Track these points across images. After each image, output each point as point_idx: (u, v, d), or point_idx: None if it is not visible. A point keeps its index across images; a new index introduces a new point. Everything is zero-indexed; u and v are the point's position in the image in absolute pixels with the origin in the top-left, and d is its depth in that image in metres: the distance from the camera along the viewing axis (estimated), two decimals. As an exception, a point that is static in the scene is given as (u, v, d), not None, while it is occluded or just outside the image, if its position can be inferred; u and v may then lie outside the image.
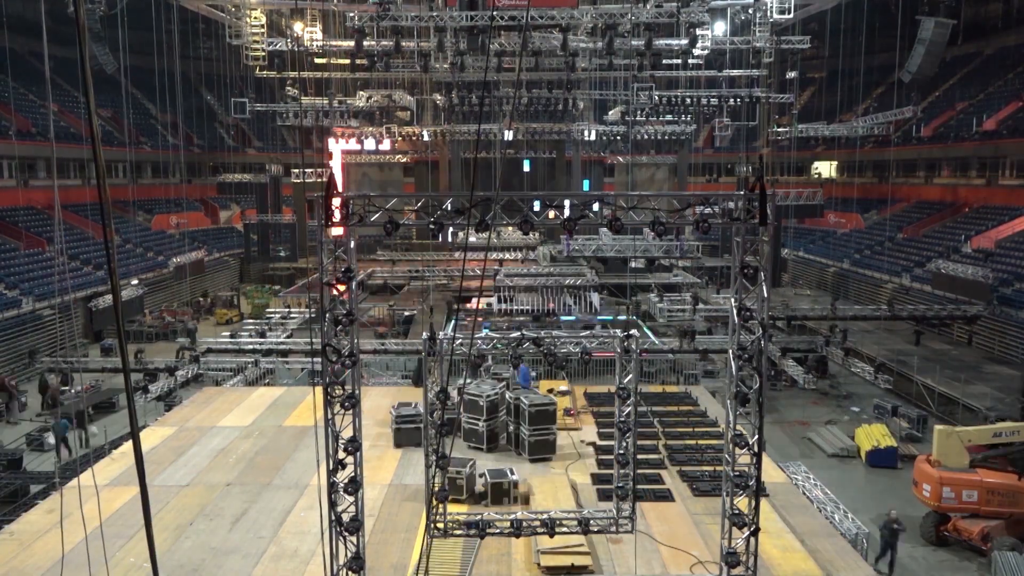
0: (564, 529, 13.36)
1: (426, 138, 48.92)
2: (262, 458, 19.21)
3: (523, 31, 34.06)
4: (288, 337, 34.87)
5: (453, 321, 30.43)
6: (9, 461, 21.86)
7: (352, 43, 38.01)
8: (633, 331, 13.73)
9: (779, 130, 49.02)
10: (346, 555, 10.69)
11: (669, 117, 49.01)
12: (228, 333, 36.04)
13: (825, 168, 62.91)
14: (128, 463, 18.11)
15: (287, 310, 41.51)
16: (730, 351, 10.65)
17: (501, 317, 34.55)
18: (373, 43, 37.14)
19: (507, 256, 45.59)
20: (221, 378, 29.54)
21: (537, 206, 10.91)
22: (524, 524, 13.26)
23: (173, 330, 38.20)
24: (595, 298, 36.30)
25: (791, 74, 47.44)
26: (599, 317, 34.49)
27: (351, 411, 10.57)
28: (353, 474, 10.66)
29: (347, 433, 10.62)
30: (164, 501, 16.44)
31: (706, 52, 41.29)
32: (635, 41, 37.29)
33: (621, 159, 52.84)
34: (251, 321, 39.64)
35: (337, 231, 10.28)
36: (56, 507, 16.08)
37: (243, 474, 18.22)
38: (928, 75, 43.75)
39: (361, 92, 48.00)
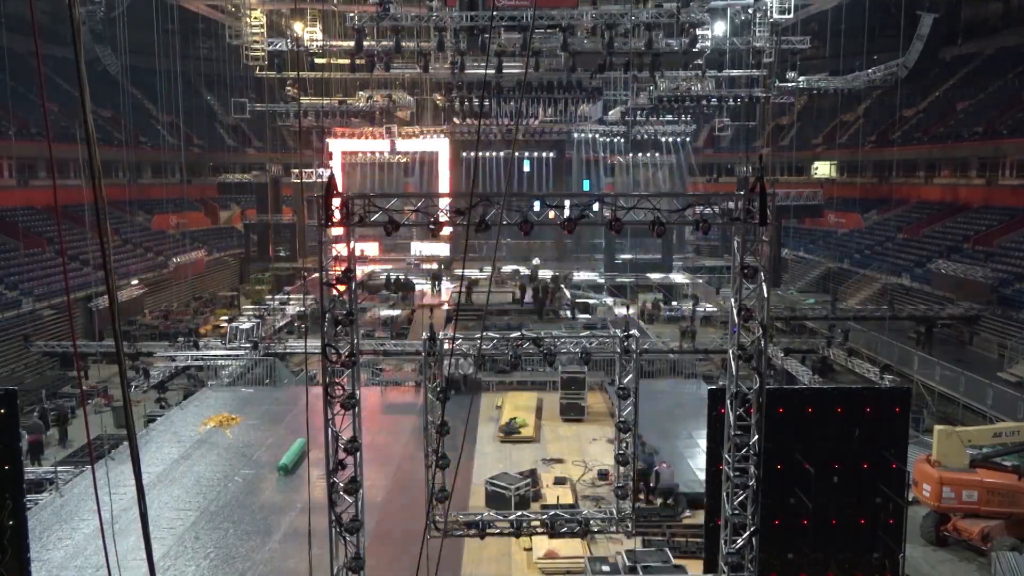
0: (564, 529, 13.36)
1: (425, 140, 49.02)
2: (262, 457, 19.23)
3: (525, 31, 34.04)
4: (288, 323, 35.28)
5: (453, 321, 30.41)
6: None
7: (352, 43, 38.00)
8: (633, 331, 13.73)
9: (786, 85, 47.96)
10: (346, 555, 10.68)
11: (669, 117, 48.97)
12: (227, 317, 36.08)
13: (825, 168, 62.88)
14: (126, 463, 18.12)
15: (286, 296, 41.68)
16: (730, 351, 10.65)
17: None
18: (373, 43, 37.13)
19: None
20: (220, 365, 29.47)
21: (537, 206, 10.91)
22: (524, 524, 13.26)
23: (175, 331, 38.18)
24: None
25: (791, 74, 47.41)
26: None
27: (351, 411, 10.57)
28: (353, 474, 10.65)
29: (347, 433, 10.61)
30: (164, 501, 16.45)
31: (706, 52, 41.26)
32: (635, 41, 37.25)
33: (621, 159, 52.81)
34: (249, 308, 39.66)
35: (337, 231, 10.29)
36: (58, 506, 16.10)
37: (244, 473, 18.22)
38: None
39: (361, 92, 47.97)
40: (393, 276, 41.45)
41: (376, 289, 41.32)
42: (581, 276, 45.37)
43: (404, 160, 54.19)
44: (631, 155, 51.42)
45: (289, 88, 47.78)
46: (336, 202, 10.08)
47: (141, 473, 5.31)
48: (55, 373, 32.08)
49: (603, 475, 17.47)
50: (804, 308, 38.72)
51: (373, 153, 52.34)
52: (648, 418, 17.47)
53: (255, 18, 43.63)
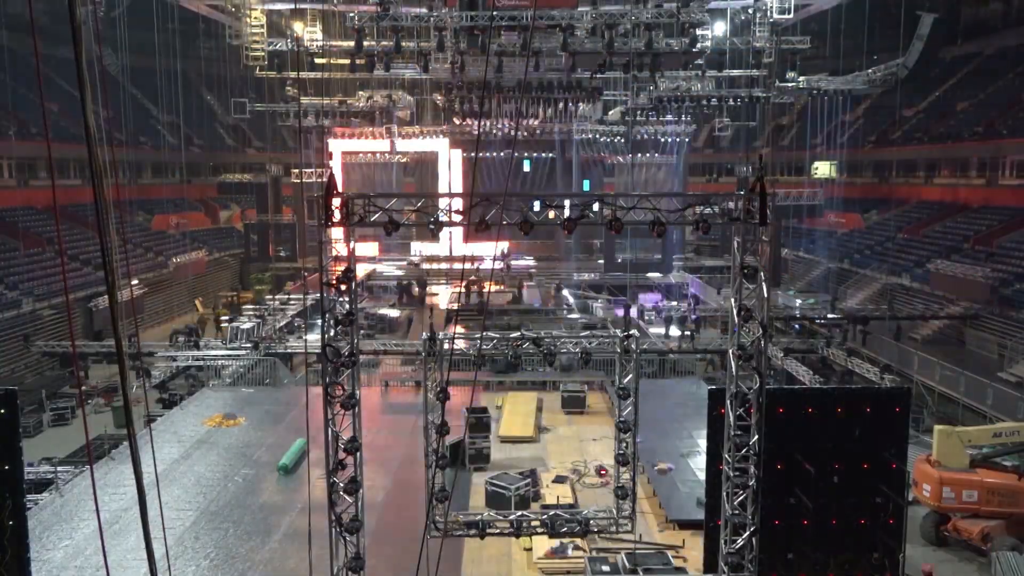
0: (564, 529, 13.37)
1: (425, 140, 49.05)
2: (262, 457, 19.24)
3: (526, 31, 34.00)
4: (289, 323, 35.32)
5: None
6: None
7: (352, 43, 37.98)
8: (633, 331, 13.73)
9: (786, 85, 47.63)
10: (346, 555, 10.68)
11: (669, 117, 48.92)
12: (228, 317, 36.08)
13: (825, 168, 62.85)
14: (126, 462, 18.12)
15: (287, 296, 41.69)
16: (730, 351, 10.65)
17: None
18: (373, 43, 37.11)
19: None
20: (221, 367, 29.46)
21: (537, 206, 10.91)
22: (524, 524, 13.26)
23: (176, 331, 38.18)
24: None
25: (791, 74, 47.35)
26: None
27: (351, 411, 10.57)
28: (353, 474, 10.66)
29: (347, 433, 10.61)
30: (164, 501, 16.42)
31: (706, 52, 41.21)
32: (635, 41, 37.23)
33: (621, 159, 52.79)
34: (250, 307, 39.62)
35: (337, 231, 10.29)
36: (60, 505, 16.10)
37: (244, 473, 18.23)
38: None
39: (361, 92, 47.95)
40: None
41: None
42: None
43: (404, 160, 54.18)
44: (631, 155, 51.39)
45: (289, 88, 47.76)
46: (336, 202, 10.09)
47: (141, 473, 5.31)
48: (55, 373, 32.08)
49: (599, 472, 17.56)
50: (804, 308, 38.75)
51: (373, 153, 52.32)
52: (648, 418, 17.49)
53: (255, 18, 43.60)
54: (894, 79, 47.49)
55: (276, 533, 15.10)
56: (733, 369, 10.55)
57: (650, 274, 46.14)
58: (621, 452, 13.64)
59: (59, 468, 18.70)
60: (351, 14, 36.26)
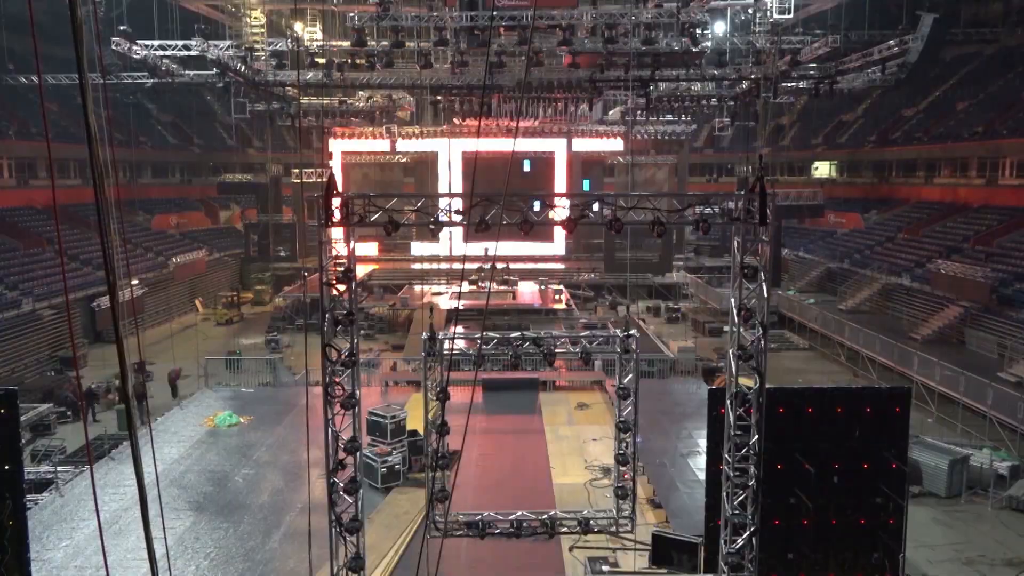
0: (564, 529, 13.38)
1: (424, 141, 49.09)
2: (262, 457, 19.24)
3: (525, 31, 33.99)
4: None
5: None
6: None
7: (351, 43, 37.98)
8: (633, 331, 13.73)
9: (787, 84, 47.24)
10: (346, 555, 10.68)
11: (669, 117, 48.93)
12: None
13: (825, 168, 62.88)
14: (126, 462, 18.12)
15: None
16: (730, 351, 10.65)
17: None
18: (373, 43, 37.11)
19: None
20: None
21: (537, 206, 10.91)
22: (524, 524, 13.26)
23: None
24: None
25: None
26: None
27: (351, 411, 10.57)
28: (353, 474, 10.66)
29: (347, 433, 10.61)
30: (164, 501, 16.44)
31: (707, 52, 41.18)
32: (635, 41, 37.20)
33: (621, 159, 52.79)
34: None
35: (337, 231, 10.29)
36: (59, 505, 16.10)
37: (244, 473, 18.24)
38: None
39: (361, 92, 47.94)
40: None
41: None
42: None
43: (404, 160, 54.17)
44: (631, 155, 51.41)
45: (289, 88, 47.70)
46: (336, 202, 10.09)
47: (142, 473, 5.31)
48: (55, 370, 32.06)
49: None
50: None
51: (373, 153, 52.31)
52: (648, 418, 17.49)
53: (255, 18, 43.60)
54: (894, 79, 47.51)
55: (276, 533, 15.11)
56: (733, 369, 10.55)
57: (649, 274, 46.10)
58: (621, 452, 13.64)
59: (59, 468, 18.70)
60: (351, 14, 36.25)
